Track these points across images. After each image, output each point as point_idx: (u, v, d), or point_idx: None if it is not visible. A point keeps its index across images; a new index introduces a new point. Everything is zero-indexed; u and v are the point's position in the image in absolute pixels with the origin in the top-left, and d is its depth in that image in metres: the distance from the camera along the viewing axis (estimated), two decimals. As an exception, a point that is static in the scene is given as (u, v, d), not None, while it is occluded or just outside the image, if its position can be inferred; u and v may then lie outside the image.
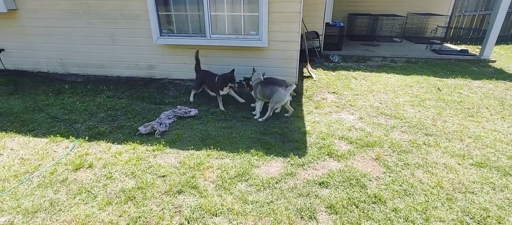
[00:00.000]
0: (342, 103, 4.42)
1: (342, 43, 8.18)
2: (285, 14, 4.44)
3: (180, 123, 3.80)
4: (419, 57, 7.38)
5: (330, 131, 3.55)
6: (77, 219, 2.23)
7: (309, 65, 5.99)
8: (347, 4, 10.09)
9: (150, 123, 3.62)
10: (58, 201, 2.42)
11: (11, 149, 3.16)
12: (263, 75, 4.03)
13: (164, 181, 2.66)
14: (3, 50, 5.50)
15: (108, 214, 2.29)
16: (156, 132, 3.46)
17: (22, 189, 2.56)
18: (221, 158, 3.02)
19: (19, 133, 3.47)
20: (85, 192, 2.52)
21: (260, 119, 3.84)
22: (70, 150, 3.14)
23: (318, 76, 5.71)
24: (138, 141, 3.31)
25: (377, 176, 2.74)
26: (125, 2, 4.79)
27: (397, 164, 2.93)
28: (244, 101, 4.43)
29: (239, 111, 4.12)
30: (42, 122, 3.78)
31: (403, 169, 2.84)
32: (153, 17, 4.71)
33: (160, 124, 3.61)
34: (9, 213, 2.29)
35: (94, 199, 2.45)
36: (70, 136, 3.41)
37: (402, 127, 3.70)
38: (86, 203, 2.40)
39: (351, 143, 3.30)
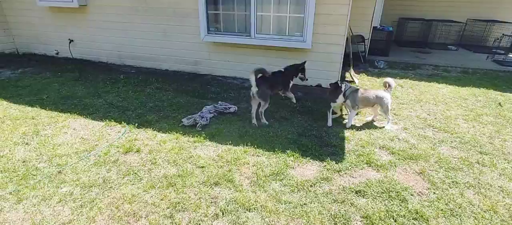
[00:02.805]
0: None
1: (390, 49, 7.77)
2: (331, 17, 4.37)
3: (220, 118, 3.95)
4: (478, 68, 6.72)
5: (371, 140, 3.42)
6: (124, 197, 2.45)
7: (352, 69, 5.80)
8: (398, 8, 9.55)
9: (193, 115, 3.81)
10: (109, 179, 2.68)
11: (74, 129, 3.56)
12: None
13: (203, 171, 2.80)
14: (72, 40, 6.22)
15: (151, 196, 2.48)
16: (198, 125, 3.64)
17: (81, 165, 2.88)
18: (257, 155, 3.08)
19: (81, 115, 3.90)
20: (132, 174, 2.75)
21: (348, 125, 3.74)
22: (122, 135, 3.44)
23: (360, 81, 5.51)
24: (181, 132, 3.52)
25: (420, 192, 2.58)
26: (181, 1, 5.10)
27: (444, 181, 2.72)
28: (295, 102, 4.09)
29: (277, 111, 4.15)
30: (100, 107, 4.20)
31: (450, 187, 2.64)
32: (202, 15, 4.95)
33: (202, 117, 3.79)
34: (70, 184, 2.60)
35: (140, 181, 2.66)
36: (122, 122, 3.74)
37: (452, 142, 3.42)
38: (133, 184, 2.62)
39: (393, 154, 3.14)
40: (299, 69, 4.02)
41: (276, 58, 4.90)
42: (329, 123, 3.79)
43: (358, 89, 3.72)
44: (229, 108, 4.14)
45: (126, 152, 3.10)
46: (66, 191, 2.51)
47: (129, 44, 5.89)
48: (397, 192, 2.54)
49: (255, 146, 3.22)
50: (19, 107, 4.10)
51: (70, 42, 6.23)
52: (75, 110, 4.05)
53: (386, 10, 8.55)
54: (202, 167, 2.86)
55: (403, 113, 4.18)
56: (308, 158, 3.03)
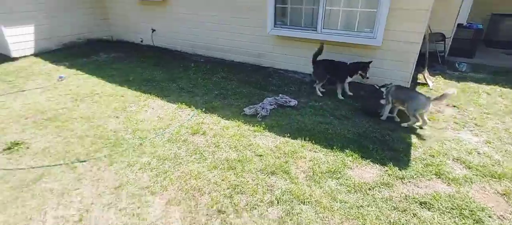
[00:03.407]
0: (464, 120, 3.75)
1: (476, 49, 6.76)
2: (409, 12, 4.03)
3: (280, 110, 4.04)
4: None
5: (443, 149, 3.11)
6: (191, 173, 2.74)
7: (426, 71, 5.26)
8: (491, 2, 8.18)
9: (254, 106, 3.99)
10: (179, 155, 3.02)
11: (152, 108, 4.07)
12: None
13: (261, 160, 2.94)
14: (154, 30, 7.00)
15: (214, 175, 2.72)
16: (258, 115, 3.80)
17: (157, 140, 3.29)
18: (315, 151, 3.09)
19: (158, 97, 4.42)
20: (198, 154, 3.05)
21: (383, 118, 3.82)
22: (191, 117, 3.81)
23: (435, 84, 4.97)
24: (243, 120, 3.72)
25: (501, 215, 2.28)
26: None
27: (534, 207, 2.35)
28: (342, 98, 4.41)
29: (337, 109, 4.05)
30: (173, 90, 4.70)
31: (542, 216, 2.27)
32: (271, 9, 5.06)
33: (263, 108, 3.94)
34: (148, 155, 3.01)
35: (205, 160, 2.94)
36: (192, 106, 4.12)
37: (551, 164, 2.89)
38: (198, 163, 2.91)
39: (469, 168, 2.81)
40: (360, 66, 4.16)
41: (341, 54, 4.75)
42: (384, 116, 3.80)
43: (397, 86, 3.73)
44: (289, 101, 4.20)
45: (194, 133, 3.43)
46: (145, 161, 2.92)
47: (201, 34, 6.37)
48: (471, 211, 2.29)
49: (313, 142, 3.23)
50: (112, 86, 4.85)
51: (152, 32, 7.03)
52: (154, 91, 4.61)
53: (476, 5, 7.42)
54: (260, 155, 3.00)
55: (487, 124, 3.67)
56: (368, 160, 2.93)
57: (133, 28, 7.56)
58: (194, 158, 2.98)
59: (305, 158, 2.97)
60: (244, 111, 3.94)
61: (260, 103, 4.09)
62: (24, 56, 6.31)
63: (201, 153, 3.06)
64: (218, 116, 3.86)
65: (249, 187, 2.56)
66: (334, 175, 2.71)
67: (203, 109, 4.02)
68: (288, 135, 3.38)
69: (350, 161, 2.92)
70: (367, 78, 4.17)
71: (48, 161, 2.89)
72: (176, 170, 2.80)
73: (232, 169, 2.81)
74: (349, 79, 4.33)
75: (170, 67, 5.85)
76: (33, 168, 2.78)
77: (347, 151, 3.06)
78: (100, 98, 4.34)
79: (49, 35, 6.70)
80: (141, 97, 4.40)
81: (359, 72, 4.16)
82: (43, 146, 3.13)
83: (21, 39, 6.20)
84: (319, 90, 4.53)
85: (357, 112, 3.97)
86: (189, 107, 4.10)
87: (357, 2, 4.37)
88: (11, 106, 4.06)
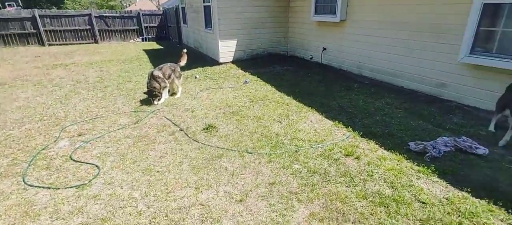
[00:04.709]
0: None
1: None
2: None
3: (458, 156, 3.25)
4: None
5: None
6: (338, 195, 2.69)
7: None
8: None
9: (423, 142, 3.41)
10: (329, 173, 3.03)
11: (311, 121, 4.31)
12: None
13: (422, 208, 2.47)
14: (325, 49, 7.40)
15: (362, 206, 2.54)
16: (427, 155, 3.21)
17: (310, 152, 3.45)
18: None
19: (317, 111, 4.63)
20: (348, 177, 2.94)
21: None
22: (346, 138, 3.74)
23: None
24: (405, 155, 3.27)
25: None
26: (444, 15, 4.59)
27: None
28: None
29: None
30: (333, 108, 4.77)
31: None
32: (470, 32, 4.16)
33: (434, 148, 3.30)
34: (300, 164, 3.20)
35: (354, 186, 2.80)
36: (349, 127, 4.03)
37: None
38: (347, 186, 2.81)
39: None
40: None
41: None
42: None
43: None
44: (477, 148, 3.29)
45: (347, 155, 3.35)
46: (297, 168, 3.13)
47: (370, 56, 6.12)
48: None
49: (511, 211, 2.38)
50: (280, 94, 5.54)
51: (323, 50, 7.45)
52: (314, 105, 4.87)
53: None
54: (423, 203, 2.53)
55: None
56: None
57: (305, 46, 8.30)
58: (343, 180, 2.91)
59: (491, 227, 2.24)
60: (408, 145, 3.45)
61: (432, 141, 3.45)
62: (226, 62, 8.34)
63: (352, 177, 2.94)
64: (376, 143, 3.58)
65: (402, 234, 2.22)
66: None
67: (361, 133, 3.84)
68: (468, 190, 2.66)
69: None
70: None
71: (227, 145, 3.67)
72: (324, 186, 2.83)
73: (384, 206, 2.52)
74: None
75: (333, 85, 5.98)
76: (218, 147, 3.62)
77: None
78: (269, 103, 5.07)
79: (244, 48, 8.50)
80: (302, 109, 4.76)
81: None
82: (226, 133, 4.01)
83: (227, 49, 8.23)
84: (493, 124, 3.72)
85: None
86: (346, 127, 4.04)
87: None
88: (213, 98, 5.47)
